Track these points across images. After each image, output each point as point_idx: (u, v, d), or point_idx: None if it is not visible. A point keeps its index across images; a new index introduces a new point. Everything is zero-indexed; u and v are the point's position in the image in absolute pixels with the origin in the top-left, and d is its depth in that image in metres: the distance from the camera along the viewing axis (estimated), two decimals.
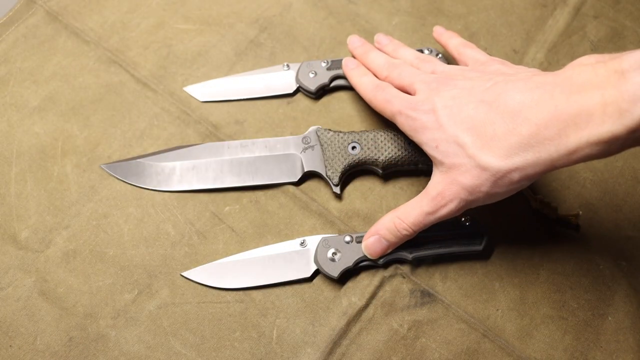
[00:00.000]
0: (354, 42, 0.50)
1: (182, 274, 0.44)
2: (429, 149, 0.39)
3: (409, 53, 0.47)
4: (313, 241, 0.44)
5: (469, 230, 0.43)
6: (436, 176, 0.39)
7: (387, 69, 0.45)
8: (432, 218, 0.39)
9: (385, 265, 0.44)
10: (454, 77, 0.41)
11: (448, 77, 0.41)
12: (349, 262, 0.43)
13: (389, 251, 0.43)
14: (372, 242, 0.42)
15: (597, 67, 0.31)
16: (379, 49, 0.50)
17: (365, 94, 0.45)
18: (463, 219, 0.43)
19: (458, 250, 0.43)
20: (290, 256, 0.44)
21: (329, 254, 0.43)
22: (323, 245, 0.43)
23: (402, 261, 0.44)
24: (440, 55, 0.51)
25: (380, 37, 0.51)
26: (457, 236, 0.43)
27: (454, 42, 0.48)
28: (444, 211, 0.39)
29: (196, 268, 0.44)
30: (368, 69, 0.48)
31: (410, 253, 0.43)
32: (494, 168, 0.35)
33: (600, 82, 0.30)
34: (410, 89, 0.42)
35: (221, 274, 0.44)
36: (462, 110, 0.37)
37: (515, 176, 0.34)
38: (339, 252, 0.43)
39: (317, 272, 0.44)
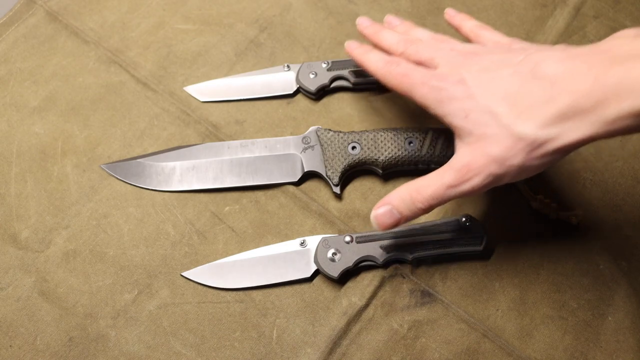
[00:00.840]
0: (363, 22, 0.47)
1: (182, 274, 0.44)
2: (457, 119, 0.36)
3: (423, 32, 0.44)
4: (313, 241, 0.44)
5: (469, 231, 0.43)
6: (462, 149, 0.36)
7: (403, 45, 0.42)
8: (454, 192, 0.36)
9: (385, 266, 0.44)
10: (478, 53, 0.38)
11: (472, 53, 0.38)
12: (349, 263, 0.43)
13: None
14: (383, 213, 0.38)
15: (638, 40, 0.31)
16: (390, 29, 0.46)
17: (376, 70, 0.42)
18: (464, 219, 0.43)
19: (458, 251, 0.43)
20: (290, 256, 0.44)
21: (329, 254, 0.43)
22: (323, 245, 0.43)
23: (402, 261, 0.44)
24: None
25: (390, 18, 0.47)
26: (457, 237, 0.43)
27: (469, 24, 0.44)
28: (468, 186, 0.36)
29: (196, 268, 0.44)
30: (380, 48, 0.44)
31: (411, 253, 0.43)
32: (530, 137, 0.33)
33: (632, 62, 0.29)
34: (430, 64, 0.39)
35: (221, 274, 0.44)
36: (495, 80, 0.35)
37: (551, 147, 0.33)
38: (339, 252, 0.43)
39: (317, 272, 0.44)
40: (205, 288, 0.44)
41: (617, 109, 0.30)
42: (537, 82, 0.33)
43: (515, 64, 0.35)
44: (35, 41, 0.54)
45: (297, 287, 0.44)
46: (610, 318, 0.43)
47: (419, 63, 0.40)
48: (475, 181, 0.35)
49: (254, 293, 0.44)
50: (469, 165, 0.35)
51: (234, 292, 0.44)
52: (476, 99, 0.35)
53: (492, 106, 0.34)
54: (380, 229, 0.39)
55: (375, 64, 0.42)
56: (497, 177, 0.35)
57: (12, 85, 0.52)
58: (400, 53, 0.42)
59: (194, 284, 0.44)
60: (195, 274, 0.44)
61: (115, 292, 0.44)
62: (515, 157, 0.34)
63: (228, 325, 0.43)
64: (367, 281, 0.44)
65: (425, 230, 0.43)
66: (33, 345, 0.42)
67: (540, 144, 0.33)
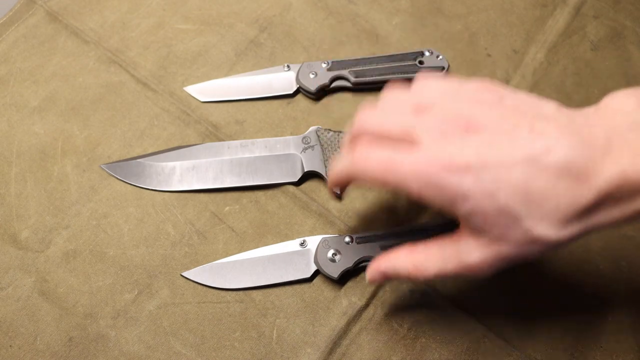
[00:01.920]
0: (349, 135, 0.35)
1: (182, 274, 0.44)
2: (474, 220, 0.30)
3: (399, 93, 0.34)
4: (313, 241, 0.44)
5: None
6: (471, 242, 0.32)
7: (362, 127, 0.33)
8: (454, 276, 0.33)
9: None
10: (465, 114, 0.30)
11: (458, 116, 0.30)
12: (349, 263, 0.43)
13: None
14: (377, 280, 0.37)
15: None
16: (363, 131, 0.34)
17: (346, 169, 0.33)
18: None
19: None
20: (290, 256, 0.44)
21: (329, 255, 0.43)
22: (323, 245, 0.43)
23: None
24: (441, 57, 0.51)
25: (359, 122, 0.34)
26: None
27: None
28: (471, 276, 0.33)
29: (196, 268, 0.44)
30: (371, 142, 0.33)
31: None
32: (550, 240, 0.29)
33: None
34: (409, 140, 0.31)
35: (221, 274, 0.44)
36: (508, 170, 0.28)
37: (570, 242, 0.30)
38: (339, 252, 0.43)
39: (317, 273, 0.44)
40: (205, 288, 0.44)
41: None
42: (558, 177, 0.28)
43: (523, 142, 0.29)
44: (35, 41, 0.54)
45: (297, 287, 0.44)
46: (610, 318, 0.43)
47: (395, 143, 0.31)
48: (481, 274, 0.32)
49: (254, 293, 0.44)
50: (478, 263, 0.32)
51: (234, 292, 0.44)
52: (494, 198, 0.29)
53: (513, 207, 0.29)
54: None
55: (340, 164, 0.34)
56: (503, 268, 0.32)
57: (12, 85, 0.52)
58: (364, 134, 0.33)
59: (194, 284, 0.44)
60: (195, 274, 0.44)
61: (115, 292, 0.44)
62: (529, 255, 0.31)
63: (228, 325, 0.43)
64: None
65: (425, 229, 0.43)
66: (33, 345, 0.42)
67: (559, 244, 0.30)
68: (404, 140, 0.31)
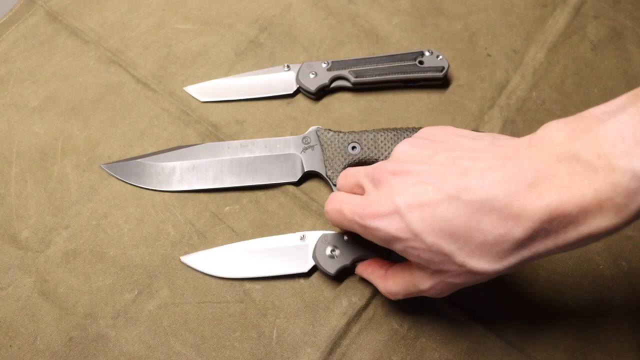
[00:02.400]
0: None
1: (181, 258, 0.45)
2: (411, 257, 0.33)
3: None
4: (313, 237, 0.44)
5: None
6: (421, 273, 0.35)
7: (339, 188, 0.40)
8: (420, 295, 0.37)
9: None
10: (401, 160, 0.34)
11: (395, 162, 0.34)
12: (346, 260, 0.43)
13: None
14: (361, 268, 0.42)
15: (576, 150, 0.28)
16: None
17: (329, 215, 0.39)
18: None
19: None
20: (290, 250, 0.44)
21: (328, 251, 0.43)
22: (322, 241, 0.43)
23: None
24: (441, 57, 0.51)
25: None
26: None
27: None
28: (434, 297, 0.36)
29: (196, 253, 0.45)
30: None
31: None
32: (489, 272, 0.31)
33: (588, 174, 0.27)
34: (361, 189, 0.36)
35: (219, 263, 0.44)
36: (435, 211, 0.31)
37: (515, 268, 0.31)
38: (337, 249, 0.43)
39: (314, 268, 0.44)
40: (205, 288, 0.44)
41: (575, 233, 0.28)
42: (485, 213, 0.29)
43: (450, 179, 0.31)
44: (36, 41, 0.54)
45: (297, 287, 0.44)
46: (610, 318, 0.43)
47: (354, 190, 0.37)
48: (441, 296, 0.36)
49: (254, 293, 0.44)
50: (431, 290, 0.35)
51: (234, 292, 0.44)
52: (421, 239, 0.31)
53: (442, 246, 0.31)
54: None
55: (326, 209, 0.39)
56: (461, 288, 0.35)
57: (12, 85, 0.52)
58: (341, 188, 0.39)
59: (194, 284, 0.44)
60: (193, 259, 0.44)
61: (115, 292, 0.44)
62: (478, 282, 0.33)
63: (228, 325, 0.43)
64: (368, 281, 0.44)
65: None
66: (33, 345, 0.42)
67: (498, 274, 0.32)
68: (360, 191, 0.36)
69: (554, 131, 0.29)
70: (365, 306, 0.43)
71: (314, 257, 0.43)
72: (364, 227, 0.34)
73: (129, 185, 0.48)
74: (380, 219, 0.33)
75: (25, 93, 0.52)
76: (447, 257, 0.31)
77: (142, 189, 0.48)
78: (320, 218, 0.47)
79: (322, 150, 0.47)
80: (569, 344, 0.42)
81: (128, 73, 0.53)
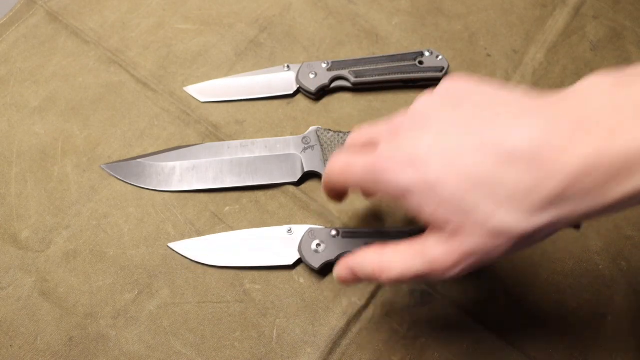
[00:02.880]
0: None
1: (169, 244, 0.45)
2: (425, 216, 0.29)
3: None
4: (300, 230, 0.45)
5: None
6: (432, 238, 0.30)
7: (346, 147, 0.36)
8: (423, 280, 0.32)
9: None
10: (422, 111, 0.30)
11: (414, 113, 0.30)
12: (331, 256, 0.43)
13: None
14: (344, 276, 0.34)
15: (618, 98, 0.24)
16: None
17: (325, 178, 0.35)
18: None
19: None
20: (276, 242, 0.45)
21: (313, 245, 0.43)
22: (309, 235, 0.44)
23: None
24: (441, 57, 0.51)
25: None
26: None
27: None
28: (439, 277, 0.30)
29: (183, 241, 0.45)
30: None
31: None
32: (515, 231, 0.27)
33: (633, 121, 0.24)
34: (372, 145, 0.32)
35: (207, 250, 0.45)
36: (459, 157, 0.27)
37: (541, 236, 0.27)
38: (323, 244, 0.43)
39: (299, 261, 0.44)
40: (205, 288, 0.44)
41: (620, 189, 0.24)
42: (515, 161, 0.26)
43: (475, 128, 0.27)
44: (36, 41, 0.54)
45: (297, 287, 0.44)
46: (610, 318, 0.43)
47: (361, 151, 0.33)
48: (448, 274, 0.30)
49: (254, 293, 0.44)
50: (441, 260, 0.29)
51: (234, 292, 0.44)
52: (440, 189, 0.27)
53: (462, 197, 0.27)
54: (341, 285, 0.39)
55: (325, 171, 0.35)
56: (474, 267, 0.30)
57: (12, 85, 0.52)
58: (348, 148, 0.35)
59: (194, 283, 0.44)
60: (181, 246, 0.45)
61: (115, 292, 0.44)
62: (498, 249, 0.28)
63: (228, 325, 0.43)
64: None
65: (414, 234, 0.43)
66: (33, 345, 0.42)
67: (528, 236, 0.27)
68: (369, 148, 0.32)
69: (597, 80, 0.26)
70: (365, 306, 0.43)
71: (300, 251, 0.44)
72: (375, 180, 0.30)
73: (129, 185, 0.48)
74: (393, 170, 0.29)
75: (25, 93, 0.52)
76: (468, 213, 0.27)
77: (142, 189, 0.48)
78: (320, 218, 0.47)
79: (322, 150, 0.47)
80: (569, 344, 0.42)
81: (128, 73, 0.53)
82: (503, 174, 0.26)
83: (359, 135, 0.35)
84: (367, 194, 0.36)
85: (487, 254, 0.28)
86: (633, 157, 0.23)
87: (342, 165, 0.33)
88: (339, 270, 0.35)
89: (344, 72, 0.51)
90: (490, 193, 0.26)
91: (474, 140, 0.27)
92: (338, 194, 0.37)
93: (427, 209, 0.28)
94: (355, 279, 0.34)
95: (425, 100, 0.31)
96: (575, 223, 0.27)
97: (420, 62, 0.51)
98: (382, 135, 0.31)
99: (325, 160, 0.47)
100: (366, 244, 0.43)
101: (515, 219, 0.26)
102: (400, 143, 0.29)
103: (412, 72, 0.51)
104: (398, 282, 0.34)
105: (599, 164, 0.24)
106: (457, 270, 0.29)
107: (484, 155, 0.26)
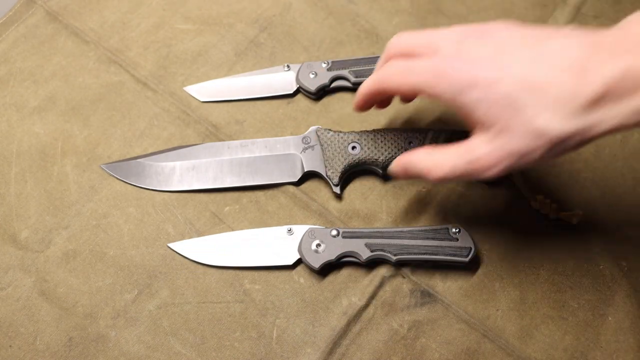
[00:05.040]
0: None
1: (169, 244, 0.45)
2: (479, 112, 0.33)
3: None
4: (300, 230, 0.44)
5: (457, 242, 0.43)
6: (479, 137, 0.34)
7: (395, 46, 0.38)
8: (466, 178, 0.36)
9: (369, 264, 0.44)
10: (486, 28, 0.34)
11: (478, 29, 0.34)
12: (331, 256, 0.43)
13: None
14: (397, 172, 0.40)
15: None
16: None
17: (373, 83, 0.38)
18: (454, 229, 0.43)
19: (443, 259, 0.43)
20: (277, 242, 0.45)
21: (313, 245, 0.43)
22: (309, 235, 0.44)
23: (385, 261, 0.44)
24: None
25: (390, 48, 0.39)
26: (444, 245, 0.43)
27: None
28: (482, 176, 0.34)
29: (183, 241, 0.45)
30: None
31: (395, 255, 0.43)
32: (555, 133, 0.31)
33: None
34: (430, 51, 0.35)
35: (207, 250, 0.45)
36: (515, 63, 0.32)
37: (575, 140, 0.31)
38: (324, 244, 0.43)
39: (299, 262, 0.44)
40: (205, 288, 0.44)
41: None
42: (563, 69, 0.31)
43: (533, 44, 0.32)
44: (35, 41, 0.54)
45: (297, 287, 0.44)
46: (610, 318, 0.43)
47: (418, 56, 0.36)
48: (491, 172, 0.34)
49: (254, 293, 0.44)
50: (487, 157, 0.33)
51: (234, 292, 0.44)
52: (498, 87, 0.32)
53: (516, 97, 0.31)
54: (394, 177, 0.42)
55: (371, 79, 0.39)
56: (512, 168, 0.34)
57: (12, 85, 0.52)
58: (394, 55, 0.38)
59: (194, 284, 0.44)
60: (181, 246, 0.45)
61: (115, 292, 0.44)
62: (535, 152, 0.32)
63: (228, 325, 0.43)
64: (367, 281, 0.44)
65: (413, 234, 0.43)
66: (33, 345, 0.42)
67: (565, 139, 0.31)
68: (428, 52, 0.35)
69: (637, 15, 0.31)
70: (365, 306, 0.43)
71: (300, 251, 0.44)
72: (441, 73, 0.33)
73: (129, 185, 0.48)
74: (461, 65, 0.33)
75: (25, 93, 0.52)
76: (518, 111, 0.31)
77: (142, 189, 0.48)
78: (320, 218, 0.47)
79: (322, 150, 0.47)
80: (569, 344, 0.42)
81: (128, 73, 0.53)
82: (552, 80, 0.30)
83: (408, 39, 0.37)
84: (411, 97, 0.39)
85: (526, 155, 0.32)
86: None
87: (402, 68, 0.36)
88: (394, 167, 0.40)
89: (344, 72, 0.51)
90: (539, 96, 0.31)
91: (531, 52, 0.32)
92: (382, 100, 0.42)
93: (482, 106, 0.32)
94: (407, 176, 0.39)
95: (485, 23, 0.35)
96: (609, 132, 0.31)
97: None
98: (444, 42, 0.35)
99: (325, 160, 0.47)
100: (367, 245, 0.43)
101: (557, 121, 0.30)
102: (464, 48, 0.33)
103: None
104: (444, 181, 0.38)
105: (631, 75, 0.29)
106: (496, 169, 0.33)
107: (538, 64, 0.31)
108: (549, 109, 0.31)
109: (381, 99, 0.43)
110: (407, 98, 0.45)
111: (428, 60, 0.35)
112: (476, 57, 0.33)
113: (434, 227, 0.44)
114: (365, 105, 0.42)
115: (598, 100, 0.30)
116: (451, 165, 0.35)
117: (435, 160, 0.36)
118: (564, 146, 0.32)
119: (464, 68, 0.33)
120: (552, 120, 0.31)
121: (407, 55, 0.37)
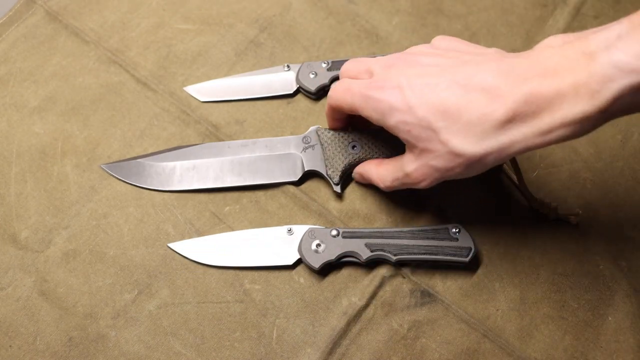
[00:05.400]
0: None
1: (169, 244, 0.45)
2: (401, 133, 0.37)
3: None
4: (300, 230, 0.44)
5: (457, 242, 0.43)
6: (408, 155, 0.39)
7: (343, 74, 0.44)
8: (406, 187, 0.41)
9: (369, 264, 0.44)
10: (414, 54, 0.39)
11: (407, 55, 0.39)
12: (331, 256, 0.43)
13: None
14: (358, 179, 0.47)
15: (565, 50, 0.32)
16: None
17: (328, 99, 0.43)
18: (454, 229, 0.43)
19: (443, 259, 0.43)
20: (276, 242, 0.45)
21: (313, 245, 0.43)
22: (309, 235, 0.44)
23: (385, 261, 0.44)
24: None
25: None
26: (444, 245, 0.43)
27: None
28: (416, 186, 0.39)
29: (183, 241, 0.45)
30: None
31: (395, 255, 0.43)
32: (468, 154, 0.34)
33: (571, 65, 0.31)
34: (369, 74, 0.40)
35: (207, 250, 0.45)
36: (433, 90, 0.35)
37: (493, 157, 0.34)
38: (324, 244, 0.43)
39: (299, 261, 0.44)
40: (205, 288, 0.44)
41: (550, 119, 0.31)
42: (474, 95, 0.34)
43: (452, 70, 0.35)
44: (35, 41, 0.54)
45: (297, 287, 0.44)
46: (610, 318, 0.43)
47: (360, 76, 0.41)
48: (422, 185, 0.39)
49: (254, 293, 0.44)
50: (415, 173, 0.38)
51: (234, 292, 0.44)
52: (415, 112, 0.35)
53: (432, 121, 0.35)
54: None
55: (329, 95, 0.43)
56: (441, 180, 0.38)
57: (12, 85, 0.52)
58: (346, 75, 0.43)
59: (194, 284, 0.44)
60: (181, 246, 0.45)
61: (115, 292, 0.44)
62: (456, 168, 0.36)
63: (228, 325, 0.43)
64: (367, 281, 0.44)
65: (413, 234, 0.43)
66: (33, 345, 0.42)
67: (479, 159, 0.34)
68: (365, 77, 0.40)
69: (551, 39, 0.34)
70: (365, 306, 0.43)
71: (299, 251, 0.44)
72: (368, 97, 0.38)
73: (129, 185, 0.48)
74: (384, 91, 0.37)
75: (25, 93, 0.52)
76: (434, 134, 0.35)
77: (142, 189, 0.48)
78: (320, 218, 0.47)
79: (323, 150, 0.47)
80: (569, 344, 0.42)
81: (128, 73, 0.53)
82: (466, 104, 0.34)
83: (354, 65, 0.42)
84: (354, 112, 0.41)
85: (449, 171, 0.36)
86: (562, 91, 0.31)
87: (345, 86, 0.41)
88: (354, 173, 0.47)
89: None
90: (452, 120, 0.34)
91: (447, 79, 0.35)
92: (339, 117, 0.45)
93: (404, 128, 0.37)
94: (365, 182, 0.46)
95: (418, 47, 0.40)
96: (519, 152, 0.34)
97: None
98: (376, 67, 0.39)
99: (325, 159, 0.47)
100: (367, 244, 0.43)
101: (469, 143, 0.34)
102: (392, 73, 0.38)
103: None
104: (391, 190, 0.42)
105: (536, 96, 0.31)
106: (426, 182, 0.38)
107: (452, 90, 0.34)
108: (461, 132, 0.34)
109: (347, 116, 0.45)
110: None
111: (362, 81, 0.39)
112: (399, 84, 0.36)
113: (434, 227, 0.44)
114: (334, 124, 0.46)
115: (507, 122, 0.33)
116: (391, 179, 0.41)
117: (379, 174, 0.43)
118: (484, 163, 0.35)
119: (385, 93, 0.37)
120: (464, 142, 0.34)
121: (353, 77, 0.42)
